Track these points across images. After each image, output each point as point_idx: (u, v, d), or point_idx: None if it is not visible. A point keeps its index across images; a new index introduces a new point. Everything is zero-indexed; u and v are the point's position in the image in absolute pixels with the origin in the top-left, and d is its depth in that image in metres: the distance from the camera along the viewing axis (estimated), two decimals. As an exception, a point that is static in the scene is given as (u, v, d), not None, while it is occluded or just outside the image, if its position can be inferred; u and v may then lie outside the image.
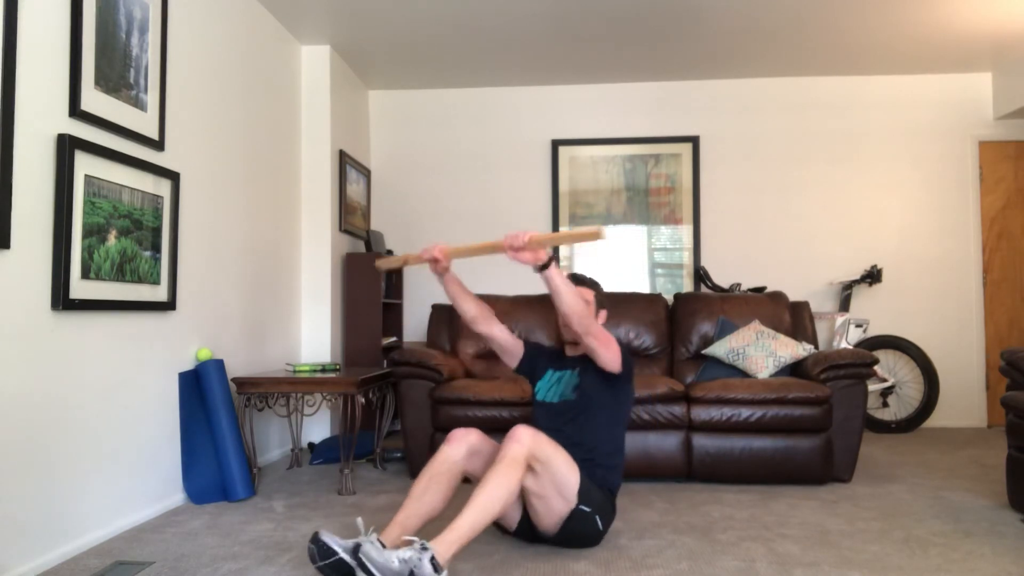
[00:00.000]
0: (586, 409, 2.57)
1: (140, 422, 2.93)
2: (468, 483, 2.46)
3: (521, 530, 2.53)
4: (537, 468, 2.26)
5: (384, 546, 2.11)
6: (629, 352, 2.61)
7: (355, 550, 1.96)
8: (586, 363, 2.63)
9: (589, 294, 2.67)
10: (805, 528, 2.78)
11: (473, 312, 2.66)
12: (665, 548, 2.53)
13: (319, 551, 2.01)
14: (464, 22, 4.35)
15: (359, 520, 2.17)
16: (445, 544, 2.02)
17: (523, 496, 2.36)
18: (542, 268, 2.30)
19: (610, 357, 2.49)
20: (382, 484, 3.57)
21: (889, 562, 2.38)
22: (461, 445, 2.41)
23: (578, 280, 2.70)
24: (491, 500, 2.13)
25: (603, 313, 2.72)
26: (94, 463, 2.65)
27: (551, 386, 2.70)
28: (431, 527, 2.41)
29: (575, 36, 4.58)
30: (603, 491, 2.51)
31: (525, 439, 2.23)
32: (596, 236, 2.08)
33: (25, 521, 2.32)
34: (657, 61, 5.03)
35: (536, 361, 2.78)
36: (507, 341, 2.74)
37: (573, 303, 2.36)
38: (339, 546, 2.01)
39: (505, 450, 2.21)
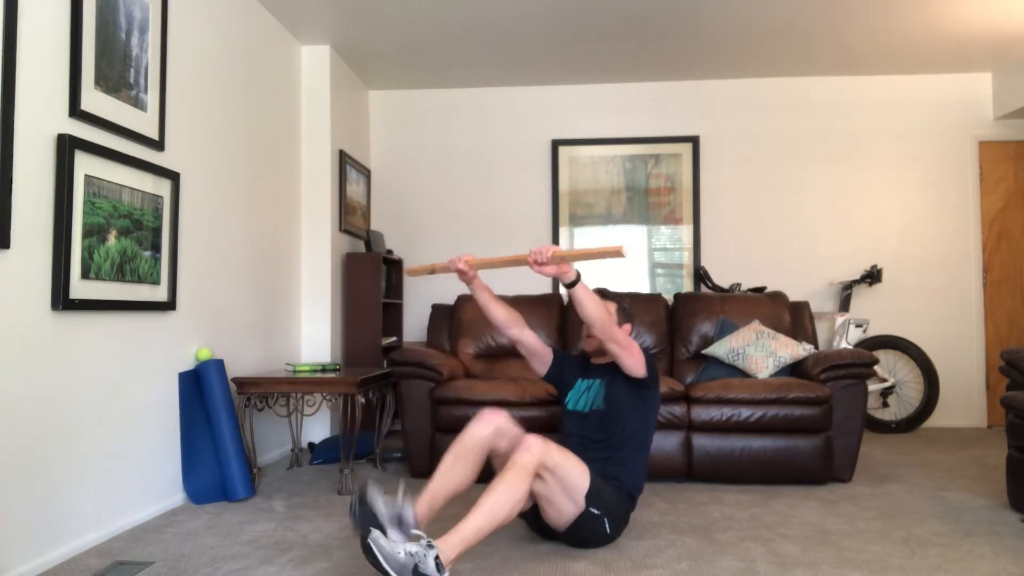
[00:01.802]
0: (616, 417, 2.62)
1: (140, 422, 2.93)
2: (486, 483, 2.47)
3: (530, 519, 2.57)
4: (545, 476, 2.30)
5: (415, 516, 2.18)
6: (654, 359, 2.67)
7: (363, 536, 1.99)
8: (614, 372, 2.68)
9: (611, 307, 2.75)
10: (805, 528, 2.78)
11: (503, 318, 2.73)
12: (665, 548, 2.54)
13: (360, 514, 2.09)
14: (464, 22, 4.35)
15: (402, 484, 2.26)
16: (450, 545, 2.06)
17: (534, 498, 2.40)
18: (571, 285, 2.40)
19: (633, 363, 2.56)
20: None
21: (889, 562, 2.38)
22: (489, 425, 2.47)
23: (601, 294, 2.78)
24: (498, 506, 2.16)
25: (627, 326, 2.80)
26: (94, 463, 2.65)
27: (580, 395, 2.75)
28: (444, 523, 2.40)
29: (575, 36, 4.58)
30: (621, 494, 2.56)
31: (535, 448, 2.28)
32: (618, 254, 2.12)
33: (25, 521, 2.32)
34: (657, 61, 5.03)
35: (565, 370, 2.85)
36: (536, 347, 2.82)
37: (595, 312, 2.46)
38: (382, 511, 2.11)
39: (515, 458, 2.26)
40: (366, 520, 2.08)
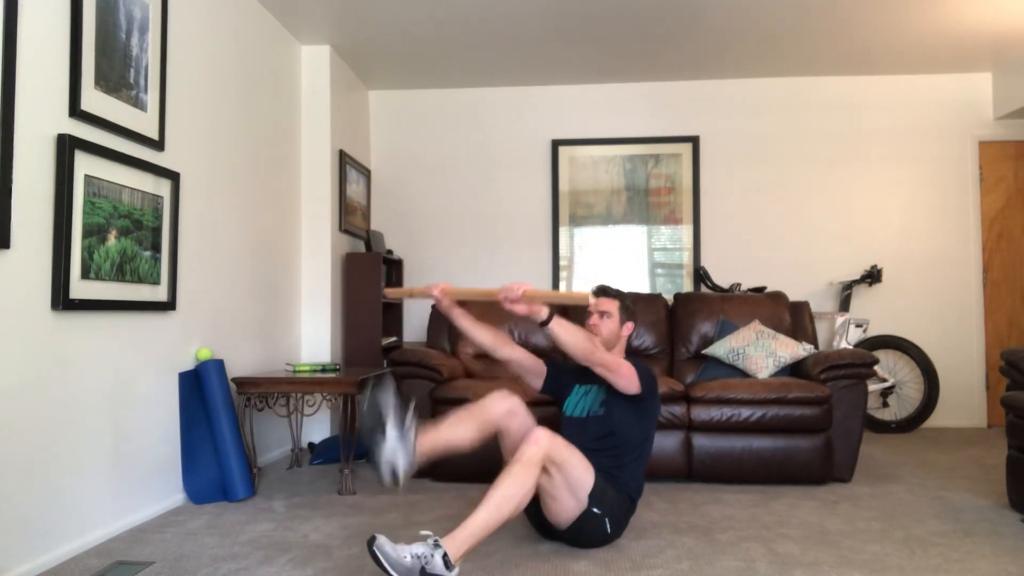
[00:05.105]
0: (614, 427, 2.58)
1: (140, 422, 2.93)
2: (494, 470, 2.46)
3: (532, 513, 2.56)
4: (552, 470, 2.29)
5: (415, 438, 2.23)
6: (649, 369, 2.62)
7: (369, 543, 1.99)
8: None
9: (612, 305, 2.70)
10: (805, 528, 2.78)
11: (489, 340, 2.68)
12: (665, 548, 2.54)
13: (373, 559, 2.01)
14: (464, 22, 4.35)
15: (413, 401, 2.35)
16: (458, 542, 2.05)
17: (537, 493, 2.38)
18: (544, 323, 2.37)
19: (623, 382, 2.50)
20: (382, 484, 3.56)
21: (889, 562, 2.38)
22: (503, 402, 2.49)
23: (603, 291, 2.72)
24: (505, 500, 2.16)
25: (628, 325, 2.74)
26: (94, 463, 2.65)
27: (578, 401, 2.72)
28: (450, 523, 2.41)
29: (575, 36, 4.58)
30: (622, 496, 2.54)
31: (543, 441, 2.27)
32: (585, 300, 2.33)
33: (25, 521, 2.32)
34: (657, 61, 5.03)
35: (561, 379, 2.81)
36: (528, 362, 2.77)
37: (575, 344, 2.40)
38: (389, 414, 2.16)
39: (522, 451, 2.25)
40: (374, 412, 2.12)
